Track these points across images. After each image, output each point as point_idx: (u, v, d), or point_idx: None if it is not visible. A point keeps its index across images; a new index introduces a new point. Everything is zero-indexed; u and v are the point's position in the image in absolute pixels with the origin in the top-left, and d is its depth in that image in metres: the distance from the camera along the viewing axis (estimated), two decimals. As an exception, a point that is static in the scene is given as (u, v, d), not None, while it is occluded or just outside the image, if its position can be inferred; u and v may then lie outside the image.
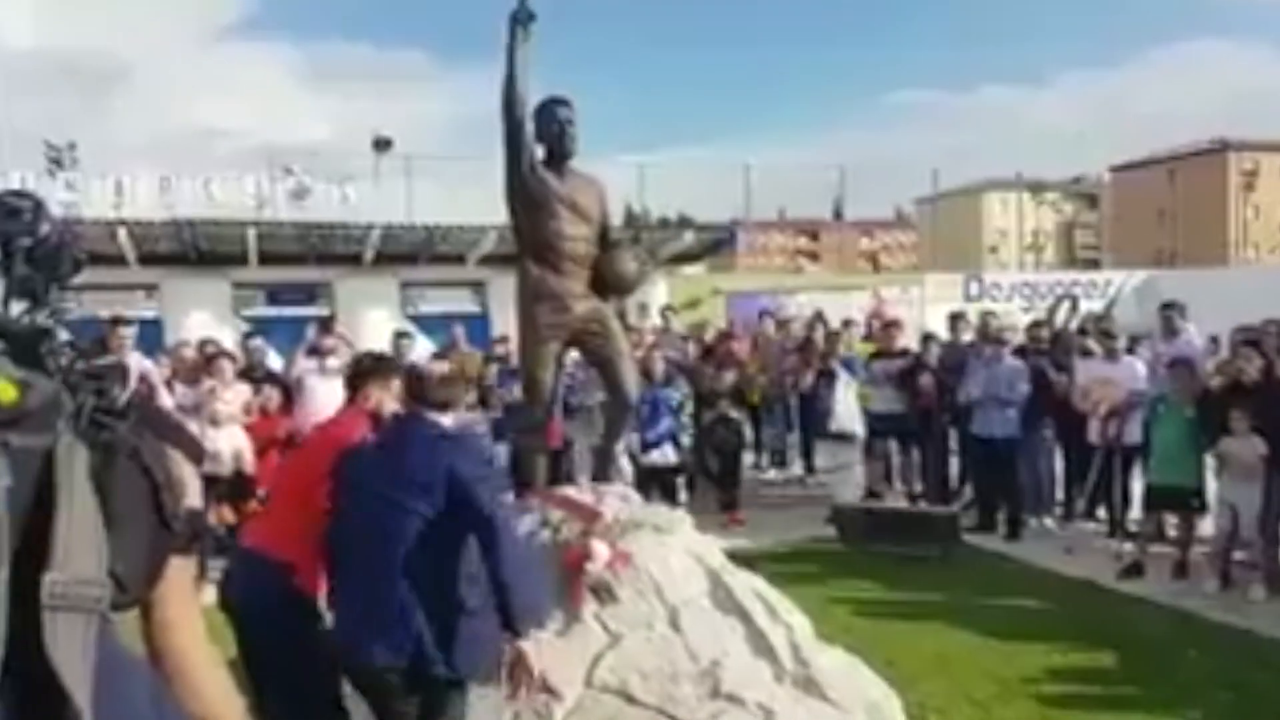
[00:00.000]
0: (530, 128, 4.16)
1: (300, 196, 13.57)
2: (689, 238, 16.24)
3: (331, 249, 14.28)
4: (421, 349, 8.74)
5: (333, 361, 7.03)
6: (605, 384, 4.68)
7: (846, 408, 8.45)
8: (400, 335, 8.49)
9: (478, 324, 13.99)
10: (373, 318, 14.34)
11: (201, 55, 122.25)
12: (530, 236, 4.32)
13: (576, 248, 4.30)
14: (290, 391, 7.27)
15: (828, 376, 8.78)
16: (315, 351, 7.37)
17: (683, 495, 8.04)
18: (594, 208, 4.41)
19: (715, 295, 16.96)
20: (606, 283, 4.46)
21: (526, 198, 4.24)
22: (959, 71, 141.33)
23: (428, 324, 15.02)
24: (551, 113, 4.21)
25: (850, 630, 4.98)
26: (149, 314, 13.22)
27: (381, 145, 13.94)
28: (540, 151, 4.23)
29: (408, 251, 14.72)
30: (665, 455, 7.92)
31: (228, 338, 12.15)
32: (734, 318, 15.04)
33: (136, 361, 6.83)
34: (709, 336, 10.69)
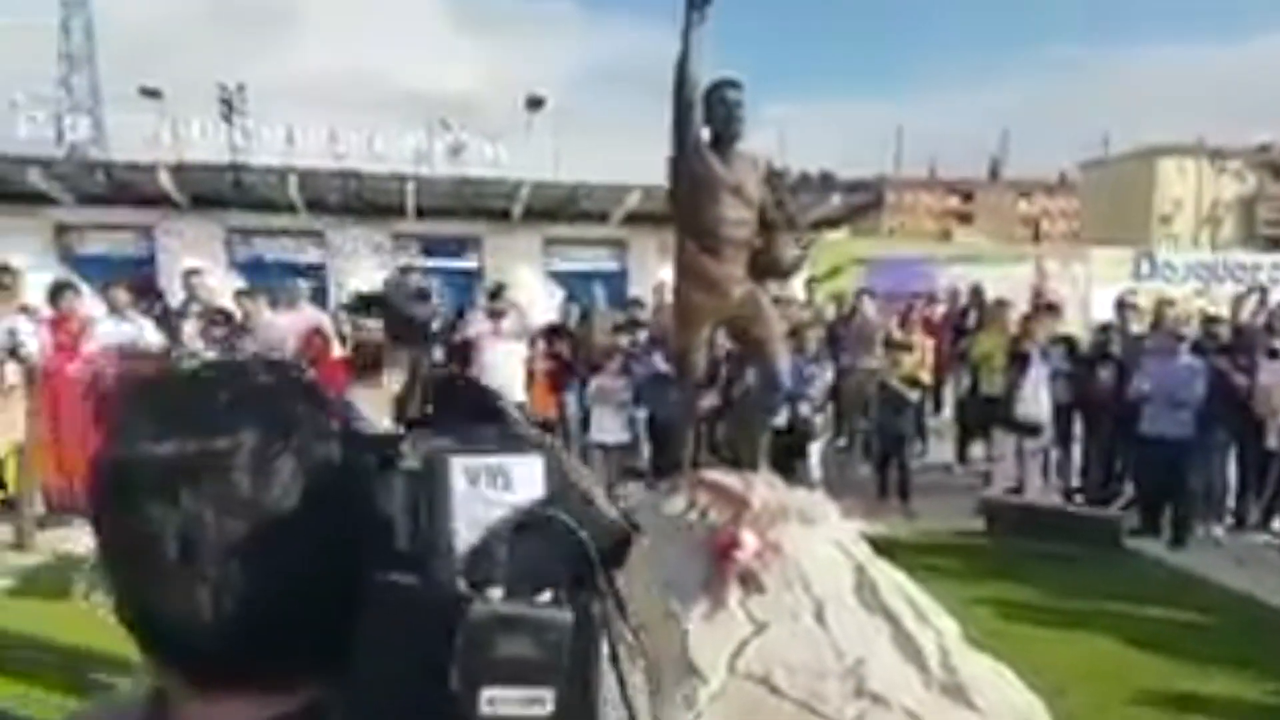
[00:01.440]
0: (699, 109, 4.12)
1: (457, 153, 13.94)
2: (835, 201, 15.79)
3: (483, 204, 14.65)
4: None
5: (505, 324, 7.29)
6: (756, 367, 4.64)
7: (1036, 395, 8.03)
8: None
9: (617, 281, 14.19)
10: (517, 272, 14.73)
11: (362, 1, 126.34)
12: (691, 219, 4.30)
13: (738, 232, 4.26)
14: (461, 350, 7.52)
15: (1020, 360, 8.17)
16: (492, 314, 7.62)
17: (815, 471, 7.87)
18: (756, 191, 4.35)
19: (858, 264, 16.40)
20: (763, 267, 4.41)
21: (690, 180, 4.22)
22: (1132, 24, 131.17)
23: (568, 280, 15.35)
24: (721, 95, 4.15)
25: (995, 633, 4.83)
26: (315, 260, 13.98)
27: (534, 104, 14.11)
28: (706, 133, 4.19)
29: (553, 208, 14.94)
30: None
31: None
32: (878, 288, 14.60)
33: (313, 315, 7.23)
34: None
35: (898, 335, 8.80)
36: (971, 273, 13.78)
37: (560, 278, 15.06)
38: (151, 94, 13.53)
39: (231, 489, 0.62)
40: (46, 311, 6.82)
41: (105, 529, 0.65)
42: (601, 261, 15.76)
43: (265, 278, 10.72)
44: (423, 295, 1.25)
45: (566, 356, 8.07)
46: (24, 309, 6.86)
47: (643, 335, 8.26)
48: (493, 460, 0.62)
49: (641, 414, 7.67)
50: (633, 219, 15.24)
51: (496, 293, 7.75)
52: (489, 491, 0.61)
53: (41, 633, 4.87)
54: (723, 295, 4.26)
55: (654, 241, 15.60)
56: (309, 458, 0.65)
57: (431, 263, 15.00)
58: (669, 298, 8.60)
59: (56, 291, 6.77)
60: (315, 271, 13.34)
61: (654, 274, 14.75)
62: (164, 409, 0.65)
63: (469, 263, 15.30)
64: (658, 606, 3.79)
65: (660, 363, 7.63)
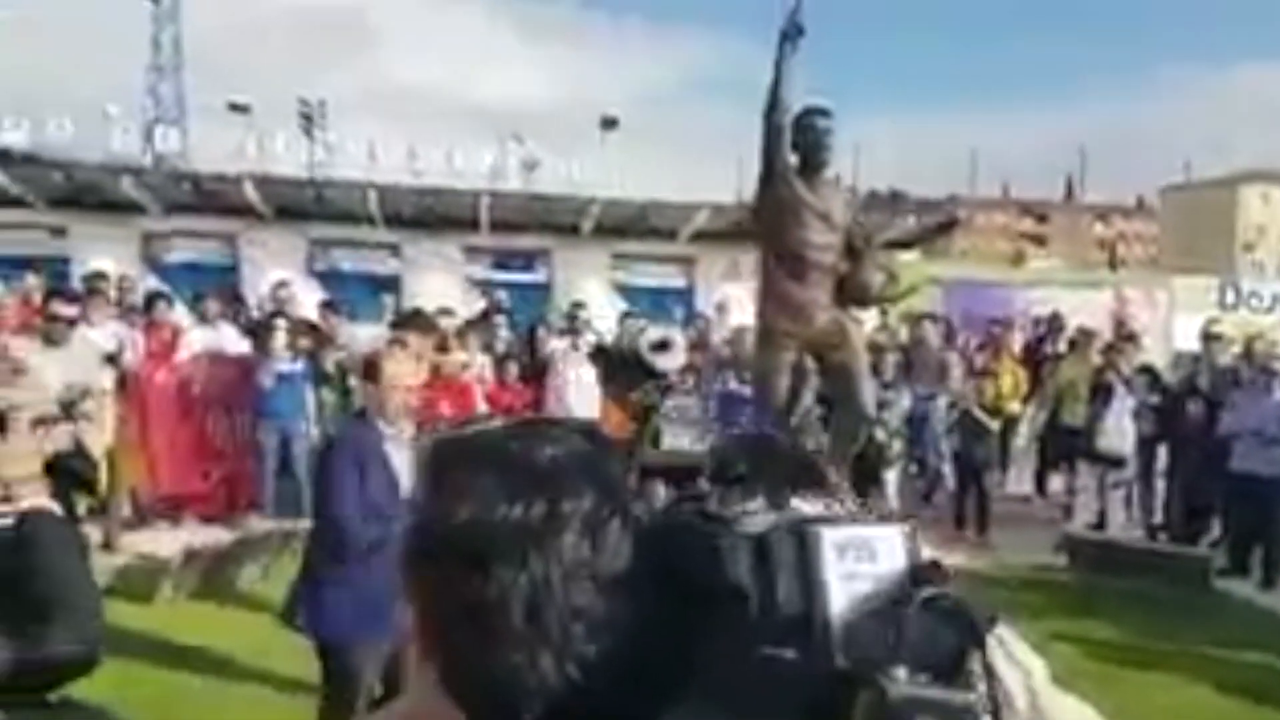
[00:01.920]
0: (787, 135, 4.13)
1: (531, 169, 14.14)
2: (910, 222, 15.61)
3: (553, 219, 14.82)
4: None
5: (582, 344, 7.33)
6: (838, 396, 4.60)
7: (1119, 427, 7.81)
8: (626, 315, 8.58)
9: (684, 298, 14.23)
10: (585, 287, 14.85)
11: (436, 13, 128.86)
12: (775, 243, 4.31)
13: (824, 257, 4.25)
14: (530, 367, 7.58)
15: (1103, 391, 7.95)
16: (568, 333, 7.64)
17: (893, 500, 7.78)
18: (842, 217, 4.34)
19: (932, 284, 16.11)
20: (850, 294, 4.39)
21: (775, 204, 4.23)
22: (1219, 46, 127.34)
23: (635, 296, 15.43)
24: (810, 122, 4.17)
25: (1078, 673, 4.68)
26: (390, 272, 14.26)
27: (608, 124, 14.26)
28: (794, 159, 4.20)
29: (622, 224, 15.05)
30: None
31: (457, 300, 12.95)
32: (951, 312, 14.33)
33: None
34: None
35: (981, 361, 8.62)
36: (1049, 298, 13.48)
37: (627, 293, 15.15)
38: (240, 109, 13.99)
39: (573, 552, 0.62)
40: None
41: (446, 591, 0.64)
42: (670, 278, 15.81)
43: (343, 288, 10.99)
44: (665, 346, 1.27)
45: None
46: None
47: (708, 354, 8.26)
48: (858, 532, 0.61)
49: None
50: (701, 236, 15.27)
51: (574, 313, 7.75)
52: (856, 565, 0.60)
53: (130, 631, 5.02)
54: (806, 320, 4.25)
55: (721, 259, 15.62)
56: (632, 519, 0.65)
57: (501, 276, 15.23)
58: (738, 318, 8.54)
59: (150, 301, 7.02)
60: (391, 283, 13.60)
61: (720, 291, 14.77)
62: (507, 470, 0.64)
63: (538, 276, 15.48)
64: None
65: (733, 383, 7.61)
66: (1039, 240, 60.27)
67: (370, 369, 3.43)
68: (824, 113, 4.18)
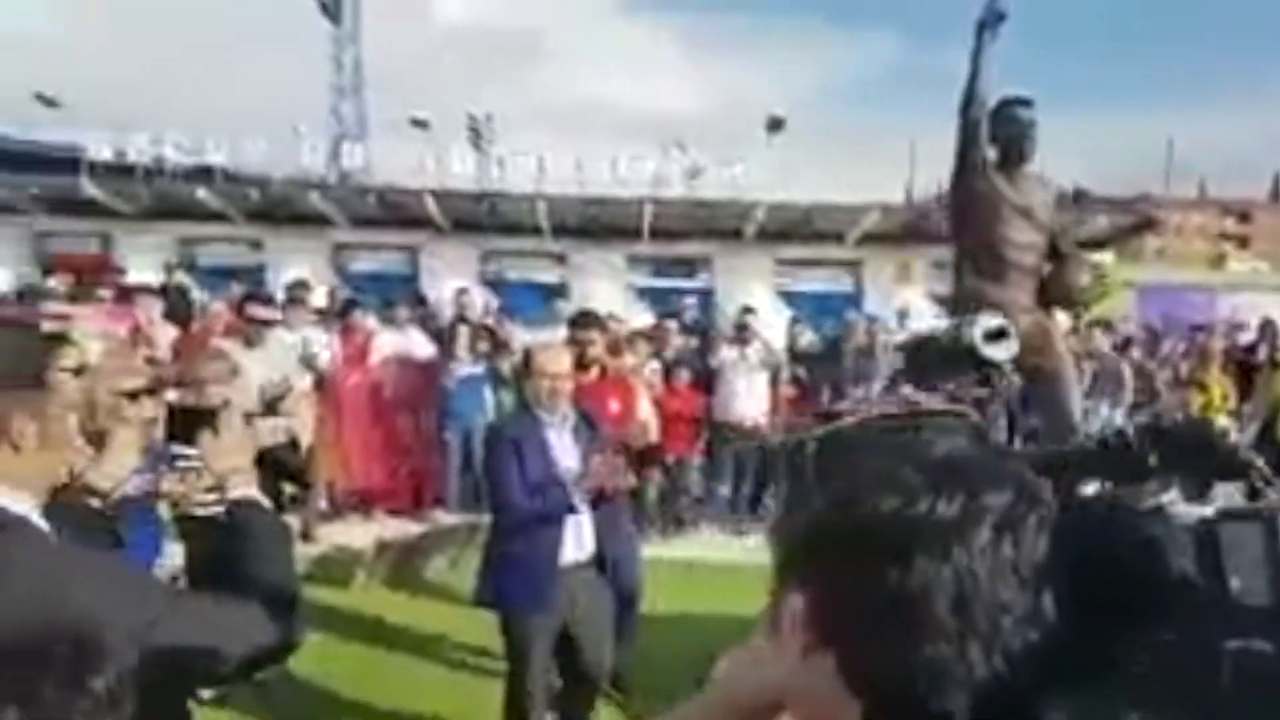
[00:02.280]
0: (985, 128, 3.92)
1: (694, 175, 14.19)
2: (1101, 221, 14.66)
3: (716, 225, 14.81)
4: None
5: (752, 351, 7.25)
6: (1043, 404, 4.32)
7: None
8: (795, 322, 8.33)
9: (850, 304, 13.87)
10: (747, 292, 14.74)
11: (601, 28, 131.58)
12: (971, 242, 4.09)
13: (1025, 257, 4.01)
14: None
15: None
16: (738, 341, 7.57)
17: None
18: (1046, 214, 4.08)
19: (1126, 288, 15.10)
20: (1054, 296, 4.12)
21: (973, 201, 4.02)
22: None
23: (800, 301, 15.17)
24: (1011, 113, 3.95)
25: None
26: (555, 280, 14.64)
27: (774, 126, 14.10)
28: (993, 153, 3.98)
29: (787, 228, 14.85)
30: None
31: (618, 306, 13.12)
32: (1149, 318, 13.34)
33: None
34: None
35: (1186, 370, 7.96)
36: (1254, 303, 12.37)
37: (790, 298, 14.95)
38: (420, 124, 14.68)
39: (993, 545, 0.61)
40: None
41: (859, 582, 0.63)
42: (836, 283, 15.49)
43: (514, 297, 11.35)
44: (1001, 335, 1.21)
45: (806, 382, 7.93)
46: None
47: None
48: None
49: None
50: (869, 239, 14.89)
51: (743, 320, 7.63)
52: None
53: (329, 614, 5.32)
54: (1006, 322, 4.01)
55: (891, 263, 15.17)
56: (1047, 512, 0.63)
57: (663, 283, 15.35)
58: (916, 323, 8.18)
59: (346, 308, 7.46)
60: (558, 291, 13.98)
61: (889, 296, 14.34)
62: (923, 463, 0.64)
63: (699, 283, 15.50)
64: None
65: (907, 389, 7.33)
66: (1241, 241, 55.32)
67: (526, 362, 3.77)
68: (1025, 103, 3.95)
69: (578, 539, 3.57)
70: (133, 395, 4.88)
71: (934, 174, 15.04)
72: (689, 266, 15.74)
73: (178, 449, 2.58)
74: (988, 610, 0.59)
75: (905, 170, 15.26)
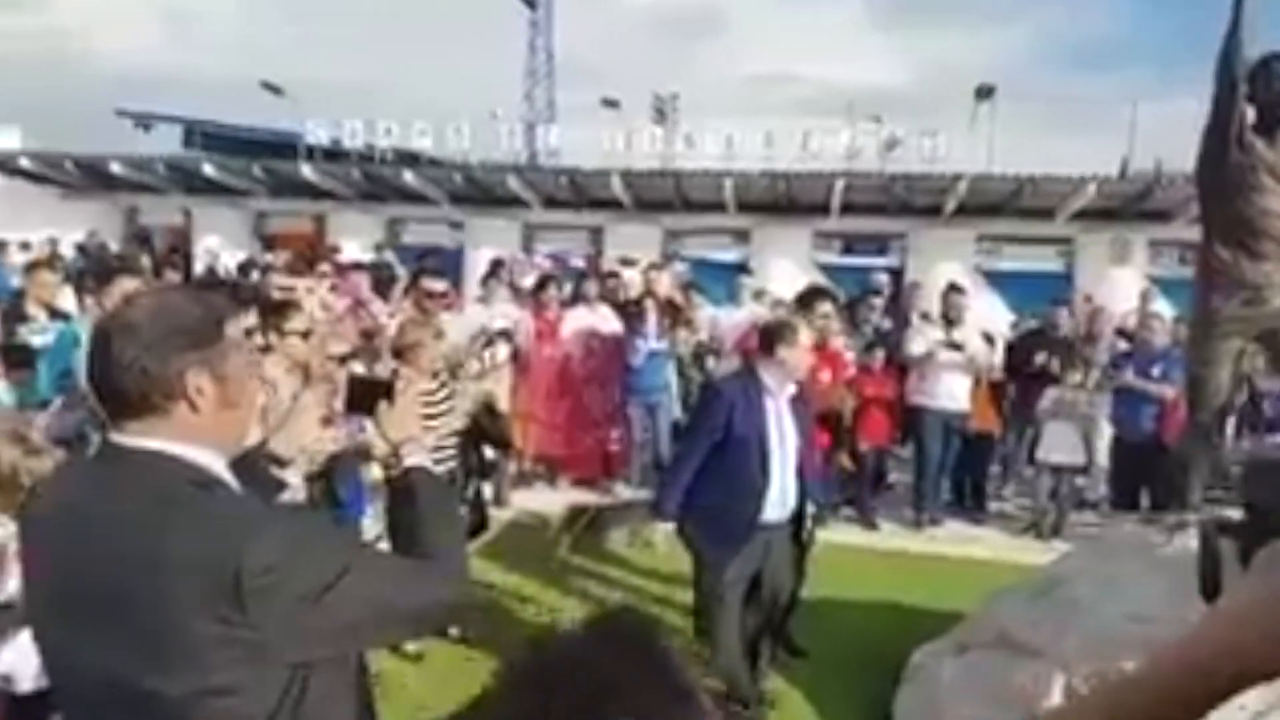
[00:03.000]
0: (1243, 89, 3.48)
1: (891, 147, 13.61)
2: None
3: (912, 200, 14.16)
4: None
5: (958, 335, 6.79)
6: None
7: None
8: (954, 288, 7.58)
9: (1060, 285, 12.90)
10: (943, 271, 13.99)
11: (793, 5, 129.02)
12: (1222, 212, 3.65)
13: (1282, 226, 3.53)
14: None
15: None
16: (946, 324, 7.02)
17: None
18: None
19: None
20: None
21: (1228, 170, 3.58)
22: None
23: (1002, 282, 14.28)
24: (1273, 70, 3.48)
25: None
26: (736, 258, 14.44)
27: (983, 94, 13.25)
28: (1251, 115, 3.53)
29: (991, 204, 13.99)
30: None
31: (800, 285, 12.76)
32: None
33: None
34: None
35: None
36: None
37: (994, 278, 14.11)
38: (611, 104, 14.86)
39: None
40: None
41: None
42: (1044, 262, 14.49)
43: (697, 275, 11.29)
44: None
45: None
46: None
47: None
48: None
49: (1107, 433, 6.80)
50: (1083, 215, 13.81)
51: (953, 300, 6.97)
52: None
53: (519, 575, 5.49)
54: (1260, 302, 3.56)
55: (1106, 240, 14.02)
56: None
57: (850, 260, 14.86)
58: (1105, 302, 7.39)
59: (542, 284, 7.64)
60: (741, 268, 13.82)
61: (1103, 277, 13.25)
62: None
63: (890, 261, 14.88)
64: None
65: (1131, 377, 6.72)
66: None
67: (765, 335, 3.89)
68: (1287, 58, 3.47)
69: (781, 499, 3.74)
70: (341, 359, 5.18)
71: (1153, 146, 13.77)
72: (879, 243, 15.17)
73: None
74: None
75: (1121, 142, 13.95)
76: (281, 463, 1.82)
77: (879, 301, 7.86)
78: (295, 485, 2.72)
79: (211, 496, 1.34)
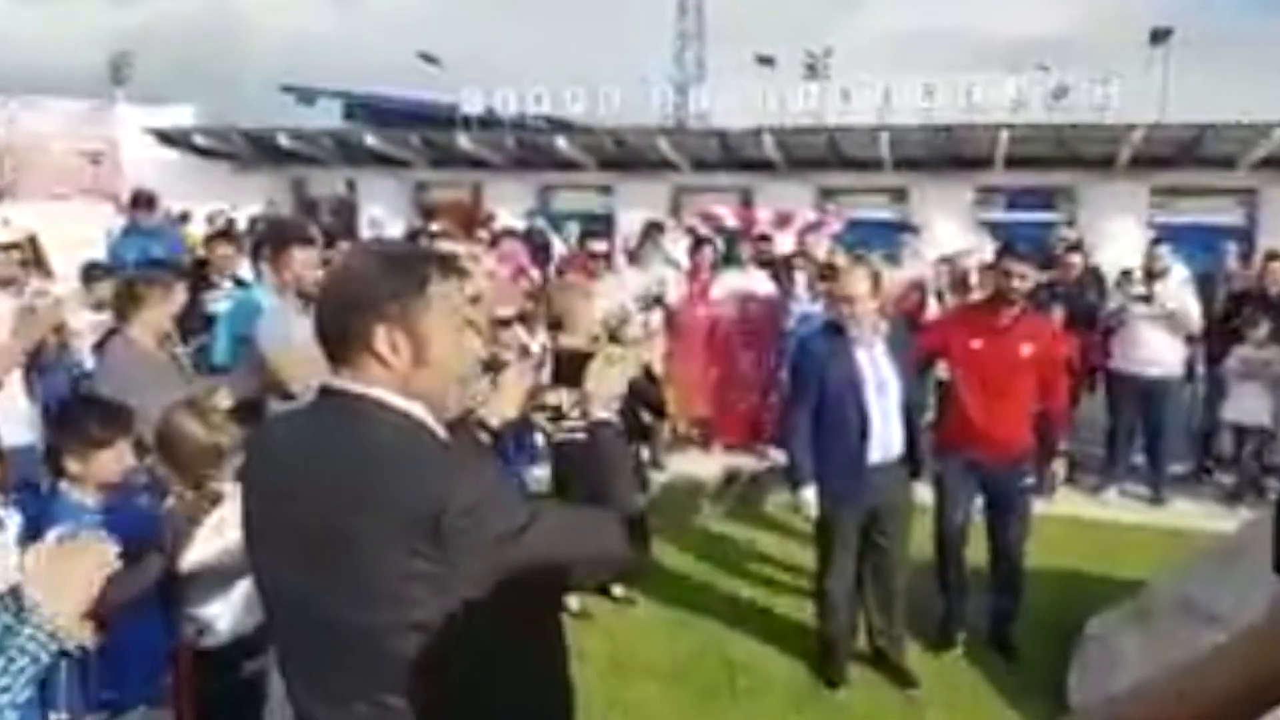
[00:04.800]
0: None
1: (1059, 97, 12.85)
2: None
3: (1082, 151, 13.36)
4: None
5: (1160, 291, 6.32)
6: None
7: None
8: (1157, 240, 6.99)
9: (1242, 237, 11.93)
10: (1116, 228, 13.18)
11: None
12: None
13: None
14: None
15: None
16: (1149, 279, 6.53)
17: None
18: None
19: None
20: None
21: None
22: None
23: (1180, 236, 13.28)
24: None
25: None
26: (893, 216, 14.03)
27: (1158, 37, 12.32)
28: None
29: (1168, 154, 13.05)
30: None
31: (961, 244, 12.29)
32: None
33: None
34: None
35: None
36: None
37: (1171, 231, 13.17)
38: (766, 61, 14.65)
39: None
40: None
41: None
42: (1224, 214, 13.43)
43: (852, 233, 11.01)
44: None
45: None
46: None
47: None
48: None
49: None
50: (1267, 164, 12.70)
51: (1154, 255, 6.44)
52: None
53: (675, 541, 5.62)
54: None
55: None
56: None
57: (1015, 216, 14.19)
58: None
59: (696, 246, 7.70)
60: (901, 228, 13.43)
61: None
62: None
63: (1058, 215, 14.13)
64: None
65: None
66: None
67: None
68: None
69: (883, 442, 3.80)
70: (505, 322, 5.40)
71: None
72: (1047, 198, 14.41)
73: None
74: None
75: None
76: (491, 432, 1.92)
77: (1077, 259, 7.35)
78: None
79: (418, 441, 1.41)
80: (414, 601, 1.31)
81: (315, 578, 1.37)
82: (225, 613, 2.53)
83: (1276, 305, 6.55)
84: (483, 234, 8.25)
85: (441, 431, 1.49)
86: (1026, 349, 4.10)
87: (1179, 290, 6.47)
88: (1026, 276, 4.12)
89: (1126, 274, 7.32)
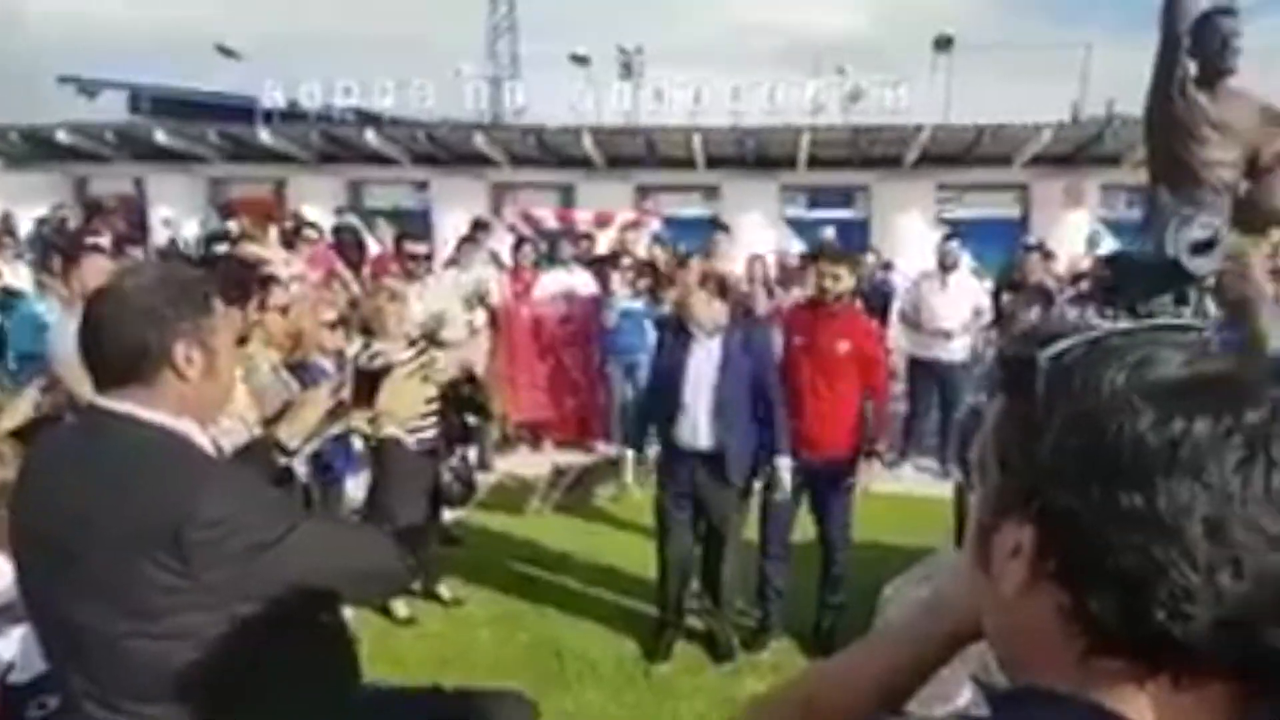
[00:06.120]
0: (1185, 42, 3.65)
1: (855, 99, 13.72)
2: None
3: (875, 152, 14.32)
4: None
5: (953, 282, 6.98)
6: (1236, 331, 4.06)
7: None
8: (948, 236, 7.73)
9: (1014, 231, 13.23)
10: (904, 223, 14.25)
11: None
12: (1167, 162, 3.85)
13: (1222, 174, 3.75)
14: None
15: None
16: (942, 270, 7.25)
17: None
18: (1246, 129, 3.78)
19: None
20: (1251, 215, 3.84)
21: (1170, 120, 3.77)
22: None
23: (961, 229, 14.52)
24: (1214, 25, 3.63)
25: None
26: (704, 214, 14.51)
27: (942, 44, 13.38)
28: (1193, 68, 3.70)
29: (951, 153, 14.20)
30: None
31: (769, 238, 12.95)
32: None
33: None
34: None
35: None
36: None
37: (955, 225, 14.36)
38: (580, 60, 14.75)
39: (1250, 465, 0.55)
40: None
41: (1101, 509, 0.58)
42: (1002, 208, 14.77)
43: (667, 231, 11.37)
44: (1209, 246, 1.13)
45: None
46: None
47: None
48: None
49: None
50: (1038, 161, 14.08)
51: (947, 248, 7.16)
52: None
53: (507, 537, 5.68)
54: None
55: (1059, 186, 14.32)
56: None
57: (817, 214, 15.02)
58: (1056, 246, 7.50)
59: (518, 245, 7.74)
60: (712, 224, 13.91)
61: (1057, 221, 13.55)
62: (1177, 381, 0.59)
63: (856, 213, 15.09)
64: None
65: (1092, 314, 6.98)
66: None
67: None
68: (1228, 11, 3.62)
69: (692, 432, 4.07)
70: (332, 325, 5.25)
71: (1105, 91, 14.03)
72: (845, 196, 15.35)
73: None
74: (1243, 535, 0.55)
75: (1076, 89, 14.18)
76: (287, 452, 1.94)
77: (871, 256, 7.99)
78: (301, 473, 2.83)
79: (170, 455, 1.45)
80: (162, 611, 1.35)
81: (66, 588, 1.40)
82: (25, 647, 2.40)
83: (1044, 293, 7.34)
84: (274, 230, 7.80)
85: (209, 446, 1.55)
86: (843, 346, 4.36)
87: (967, 279, 7.18)
88: (840, 277, 4.39)
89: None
